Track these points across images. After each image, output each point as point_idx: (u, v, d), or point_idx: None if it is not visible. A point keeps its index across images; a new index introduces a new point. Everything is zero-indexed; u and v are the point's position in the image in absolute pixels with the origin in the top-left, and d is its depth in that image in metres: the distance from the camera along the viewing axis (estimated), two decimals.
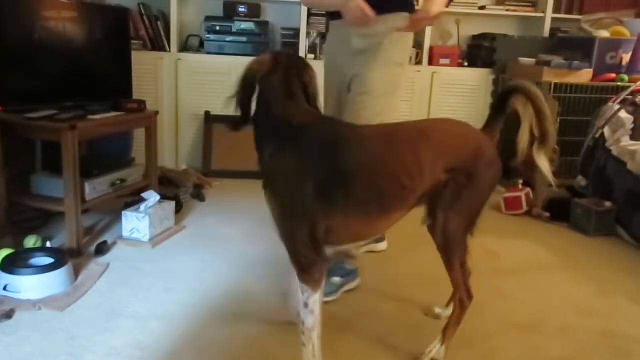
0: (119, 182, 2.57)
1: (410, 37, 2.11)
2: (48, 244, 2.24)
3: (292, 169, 1.42)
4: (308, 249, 1.42)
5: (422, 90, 3.89)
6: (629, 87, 3.21)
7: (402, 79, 2.11)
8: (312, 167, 1.41)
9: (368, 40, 2.03)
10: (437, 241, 1.58)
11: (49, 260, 2.00)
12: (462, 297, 1.64)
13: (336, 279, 2.03)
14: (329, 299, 1.95)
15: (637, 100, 3.14)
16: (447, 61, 3.91)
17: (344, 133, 1.48)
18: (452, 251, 1.57)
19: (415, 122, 1.66)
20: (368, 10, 1.82)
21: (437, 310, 1.94)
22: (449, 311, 1.82)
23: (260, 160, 1.52)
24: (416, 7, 2.11)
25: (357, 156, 1.44)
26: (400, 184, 1.45)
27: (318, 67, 3.97)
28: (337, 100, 2.19)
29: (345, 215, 1.44)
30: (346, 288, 2.06)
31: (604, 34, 3.54)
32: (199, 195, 3.16)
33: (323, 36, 3.84)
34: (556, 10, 3.97)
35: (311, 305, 1.44)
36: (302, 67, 1.60)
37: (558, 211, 3.08)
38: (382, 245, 2.52)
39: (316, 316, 1.46)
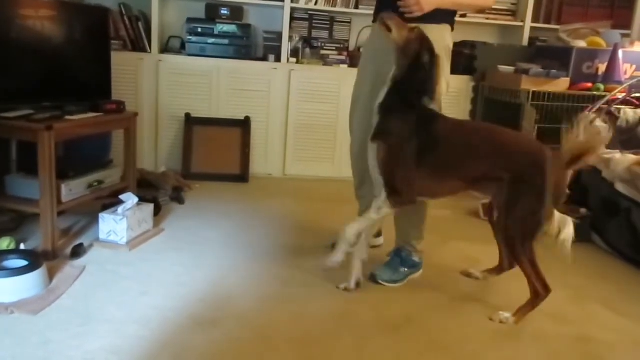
0: (96, 183, 2.54)
1: (445, 46, 2.19)
2: (22, 246, 2.20)
3: (410, 131, 1.97)
4: (403, 182, 1.98)
5: None
6: (604, 96, 3.28)
7: (441, 88, 2.16)
8: (419, 133, 1.96)
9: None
10: (501, 243, 2.13)
11: (22, 263, 1.97)
12: (536, 289, 1.98)
13: (404, 269, 2.28)
14: (397, 285, 2.24)
15: (613, 109, 3.21)
16: None
17: (439, 115, 2.02)
18: (516, 250, 1.97)
19: (490, 124, 2.20)
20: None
21: (472, 270, 2.38)
22: (481, 275, 2.36)
23: (387, 118, 2.01)
24: None
25: (443, 132, 1.98)
26: (460, 159, 1.97)
27: (302, 70, 3.99)
28: (365, 103, 2.29)
29: (425, 170, 1.97)
30: (410, 277, 2.30)
31: (581, 44, 3.61)
32: (178, 198, 3.13)
33: (305, 40, 3.85)
34: (535, 19, 4.03)
35: (381, 211, 2.02)
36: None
37: None
38: (380, 240, 2.60)
39: (378, 217, 2.04)
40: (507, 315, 1.99)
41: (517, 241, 1.95)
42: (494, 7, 3.99)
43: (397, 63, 2.00)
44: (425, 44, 1.97)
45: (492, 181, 1.96)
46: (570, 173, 2.03)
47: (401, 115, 1.98)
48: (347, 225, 2.05)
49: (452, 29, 2.23)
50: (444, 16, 2.16)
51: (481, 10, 2.17)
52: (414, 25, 2.01)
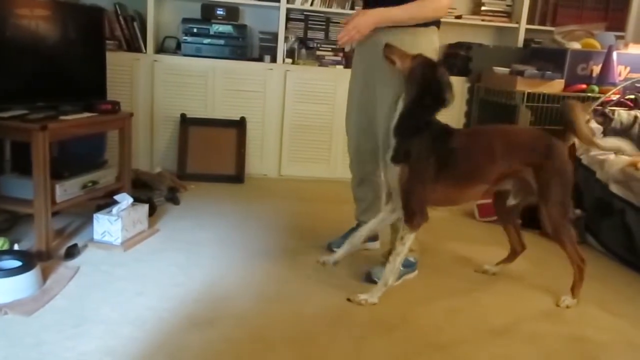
0: (90, 184, 2.53)
1: (433, 48, 2.22)
2: (16, 247, 2.19)
3: (429, 151, 2.04)
4: (419, 204, 2.04)
5: None
6: (598, 97, 3.30)
7: None
8: (436, 149, 2.04)
9: (379, 51, 2.16)
10: (547, 229, 2.18)
11: (16, 263, 1.95)
12: (579, 264, 2.21)
13: (401, 269, 2.24)
14: (394, 283, 2.21)
15: (607, 110, 3.22)
16: None
17: (451, 129, 2.10)
18: (559, 232, 2.14)
19: (498, 125, 2.35)
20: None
21: (487, 266, 2.48)
22: (496, 268, 2.47)
23: (404, 140, 2.06)
24: None
25: (459, 143, 2.06)
26: (480, 165, 2.09)
27: (298, 71, 3.99)
28: (359, 104, 2.37)
29: (447, 183, 2.06)
30: (406, 277, 2.32)
31: (576, 45, 3.63)
32: (173, 199, 3.12)
33: (301, 41, 3.85)
34: (530, 21, 4.05)
35: (405, 239, 2.06)
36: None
37: (530, 218, 3.13)
38: (376, 245, 2.61)
39: (405, 248, 2.07)
40: (569, 298, 2.19)
41: (559, 223, 2.13)
42: (489, 8, 4.03)
43: (406, 90, 2.06)
44: (429, 67, 2.03)
45: (512, 176, 2.13)
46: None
47: (417, 135, 2.04)
48: (386, 271, 2.09)
49: (438, 28, 2.26)
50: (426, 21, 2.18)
51: (429, 20, 2.16)
52: (414, 54, 2.07)
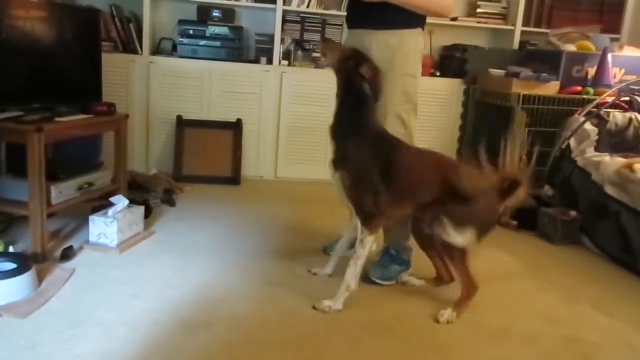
0: (86, 185, 2.52)
1: (419, 49, 2.23)
2: (11, 249, 2.18)
3: (369, 155, 2.00)
4: (371, 205, 1.98)
5: None
6: (594, 99, 3.31)
7: (416, 88, 2.24)
8: (379, 158, 2.00)
9: (382, 52, 2.14)
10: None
11: (11, 265, 1.94)
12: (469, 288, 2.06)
13: (395, 267, 2.29)
14: (389, 282, 2.26)
15: (602, 112, 3.24)
16: None
17: (390, 138, 2.05)
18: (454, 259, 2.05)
19: (439, 154, 2.18)
20: None
21: (407, 278, 2.31)
22: (419, 282, 2.30)
23: (339, 144, 2.04)
24: None
25: (396, 157, 2.02)
26: (411, 186, 2.02)
27: (294, 73, 3.99)
28: None
29: (388, 196, 1.99)
30: (401, 275, 2.30)
31: (571, 47, 3.64)
32: (169, 200, 3.12)
33: (297, 42, 3.85)
34: (525, 23, 4.06)
35: (365, 242, 2.01)
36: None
37: (525, 220, 3.14)
38: (372, 246, 2.58)
39: (366, 250, 2.02)
40: (450, 312, 2.02)
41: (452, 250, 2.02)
42: (485, 10, 4.05)
43: (337, 84, 2.06)
44: (353, 60, 2.01)
45: (431, 204, 2.00)
46: (503, 206, 2.04)
47: (355, 138, 2.01)
48: (347, 276, 2.03)
49: (423, 30, 2.25)
50: (417, 20, 2.19)
51: (436, 15, 2.17)
52: (346, 48, 2.08)
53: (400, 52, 2.16)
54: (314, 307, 2.00)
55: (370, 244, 2.03)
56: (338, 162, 2.04)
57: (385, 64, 2.14)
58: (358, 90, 2.00)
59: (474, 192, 1.93)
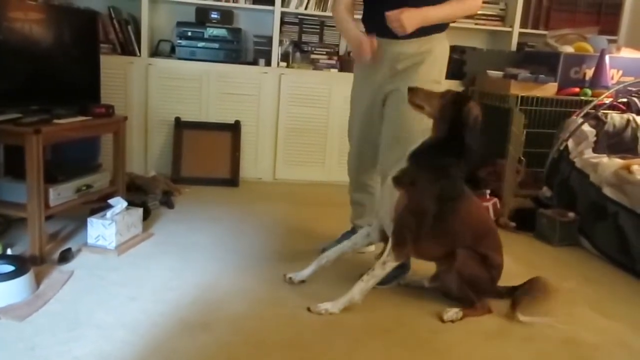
0: (84, 188, 2.52)
1: (447, 54, 2.27)
2: (9, 251, 2.17)
3: (436, 194, 1.96)
4: (411, 234, 1.96)
5: None
6: (591, 101, 3.31)
7: (442, 74, 2.27)
8: (444, 201, 1.97)
9: (410, 60, 2.16)
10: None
11: (9, 268, 1.94)
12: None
13: (395, 271, 2.22)
14: (386, 286, 2.21)
15: (600, 114, 3.24)
16: None
17: (466, 194, 2.05)
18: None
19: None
20: (366, 48, 2.08)
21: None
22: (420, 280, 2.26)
23: (416, 169, 1.98)
24: None
25: (459, 203, 2.01)
26: (457, 234, 2.03)
27: (292, 75, 3.99)
28: (365, 113, 2.34)
29: (432, 236, 2.00)
30: (402, 278, 2.28)
31: (569, 49, 3.65)
32: (167, 202, 3.11)
33: (296, 44, 3.85)
34: (523, 25, 4.07)
35: (387, 266, 1.98)
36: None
37: (524, 221, 3.15)
38: (372, 247, 2.58)
39: (384, 273, 1.99)
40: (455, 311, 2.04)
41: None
42: (483, 12, 4.05)
43: (434, 128, 1.99)
44: (463, 105, 1.93)
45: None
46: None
47: (431, 173, 1.96)
48: (355, 289, 1.99)
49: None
50: (444, 25, 2.19)
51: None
52: (443, 91, 2.00)
53: (430, 59, 2.15)
54: (308, 309, 1.98)
55: (390, 269, 1.99)
56: (403, 182, 1.97)
57: (413, 73, 2.14)
58: (461, 137, 1.92)
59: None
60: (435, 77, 2.20)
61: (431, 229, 1.98)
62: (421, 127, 2.10)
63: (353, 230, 2.48)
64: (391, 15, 1.99)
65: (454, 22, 3.94)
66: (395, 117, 2.22)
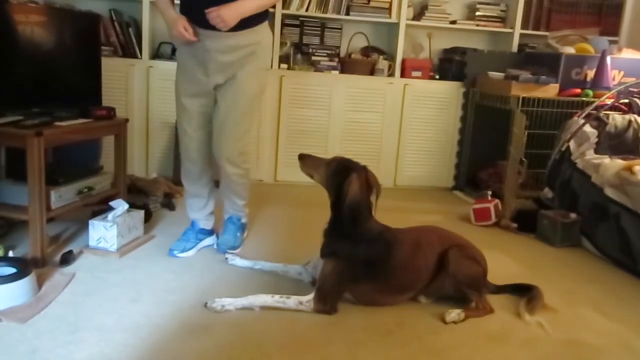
0: (86, 190, 2.52)
1: (270, 45, 2.48)
2: (10, 253, 2.18)
3: (361, 260, 2.00)
4: (332, 296, 2.00)
5: (394, 102, 3.93)
6: (593, 102, 3.31)
7: (267, 80, 2.50)
8: (373, 261, 2.00)
9: (244, 51, 2.26)
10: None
11: (10, 270, 1.94)
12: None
13: (238, 235, 2.54)
14: (238, 251, 2.47)
15: (601, 115, 3.24)
16: (418, 74, 3.96)
17: (390, 237, 2.05)
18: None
19: (429, 228, 2.29)
20: (189, 32, 2.15)
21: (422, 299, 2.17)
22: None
23: (331, 243, 2.05)
24: None
25: (395, 258, 2.03)
26: (415, 278, 2.08)
27: (293, 76, 3.99)
28: (198, 102, 2.38)
29: (374, 288, 2.04)
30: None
31: (570, 50, 3.65)
32: (168, 204, 3.12)
33: (296, 46, 3.85)
34: (524, 26, 4.07)
35: (302, 306, 1.98)
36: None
37: (525, 222, 3.14)
38: (213, 238, 2.66)
39: (294, 308, 1.98)
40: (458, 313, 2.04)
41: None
42: (484, 13, 4.06)
43: (329, 195, 2.07)
44: (345, 176, 1.97)
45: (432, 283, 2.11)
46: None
47: (348, 241, 2.00)
48: (261, 296, 2.00)
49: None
50: (264, 16, 2.31)
51: (267, 7, 2.30)
52: (329, 159, 2.09)
53: (259, 49, 2.29)
54: (205, 305, 1.96)
55: (300, 309, 1.98)
56: (325, 253, 2.05)
57: (245, 63, 2.26)
58: (351, 205, 1.95)
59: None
60: (266, 65, 2.41)
61: (384, 285, 2.03)
62: (257, 113, 2.31)
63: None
64: (211, 12, 2.11)
65: (454, 20, 3.99)
66: (223, 113, 2.34)
